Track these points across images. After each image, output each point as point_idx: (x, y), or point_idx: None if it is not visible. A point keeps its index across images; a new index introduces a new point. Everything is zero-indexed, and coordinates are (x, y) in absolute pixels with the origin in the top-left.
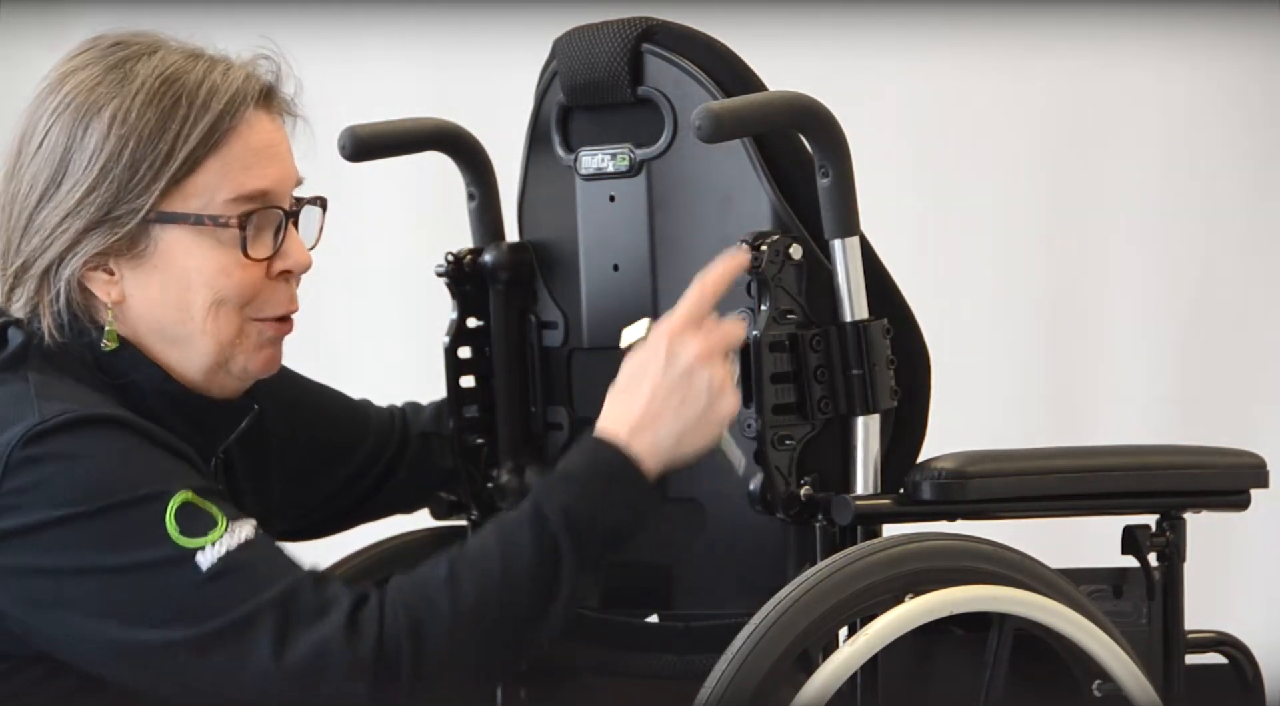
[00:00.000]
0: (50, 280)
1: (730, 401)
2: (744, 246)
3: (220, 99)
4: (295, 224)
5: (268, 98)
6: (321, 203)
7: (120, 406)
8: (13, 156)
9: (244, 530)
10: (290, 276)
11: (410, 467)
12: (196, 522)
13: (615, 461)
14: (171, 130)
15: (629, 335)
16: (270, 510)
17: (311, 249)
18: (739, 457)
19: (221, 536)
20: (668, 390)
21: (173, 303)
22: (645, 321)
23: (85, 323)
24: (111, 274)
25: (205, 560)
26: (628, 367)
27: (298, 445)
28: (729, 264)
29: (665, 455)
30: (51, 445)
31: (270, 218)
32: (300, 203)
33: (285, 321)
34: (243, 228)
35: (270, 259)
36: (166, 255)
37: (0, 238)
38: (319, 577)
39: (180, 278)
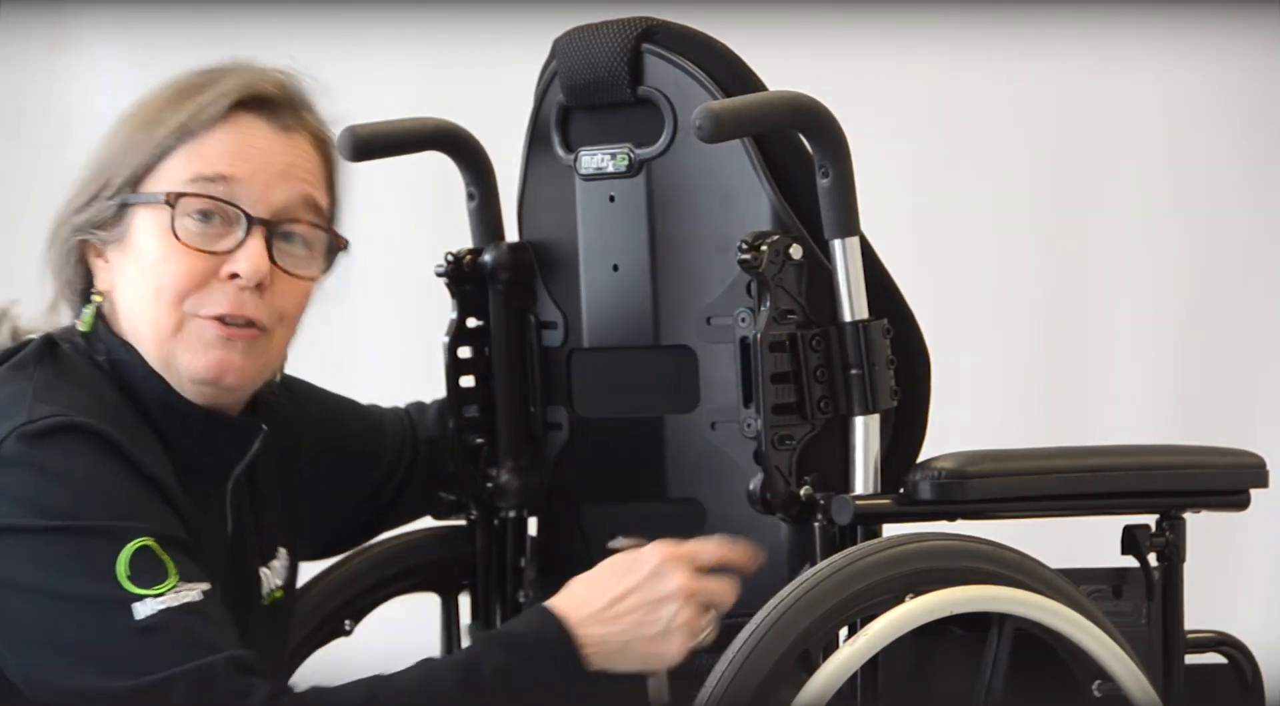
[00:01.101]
0: (51, 265)
1: (679, 646)
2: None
3: (209, 93)
4: (272, 240)
5: (268, 107)
6: (338, 244)
7: (126, 415)
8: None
9: (190, 593)
10: (239, 283)
11: (424, 474)
12: (148, 571)
13: (560, 639)
14: (157, 118)
15: (620, 541)
16: (297, 529)
17: (309, 277)
18: (664, 697)
19: (166, 592)
20: (638, 600)
21: (134, 290)
22: (639, 540)
23: (99, 322)
24: (107, 262)
25: (142, 610)
26: (609, 564)
27: (327, 462)
28: (757, 556)
29: (607, 656)
30: (31, 449)
31: (228, 215)
32: (291, 223)
33: (238, 328)
34: (172, 205)
35: (221, 257)
36: (135, 240)
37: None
38: (243, 663)
39: (138, 263)
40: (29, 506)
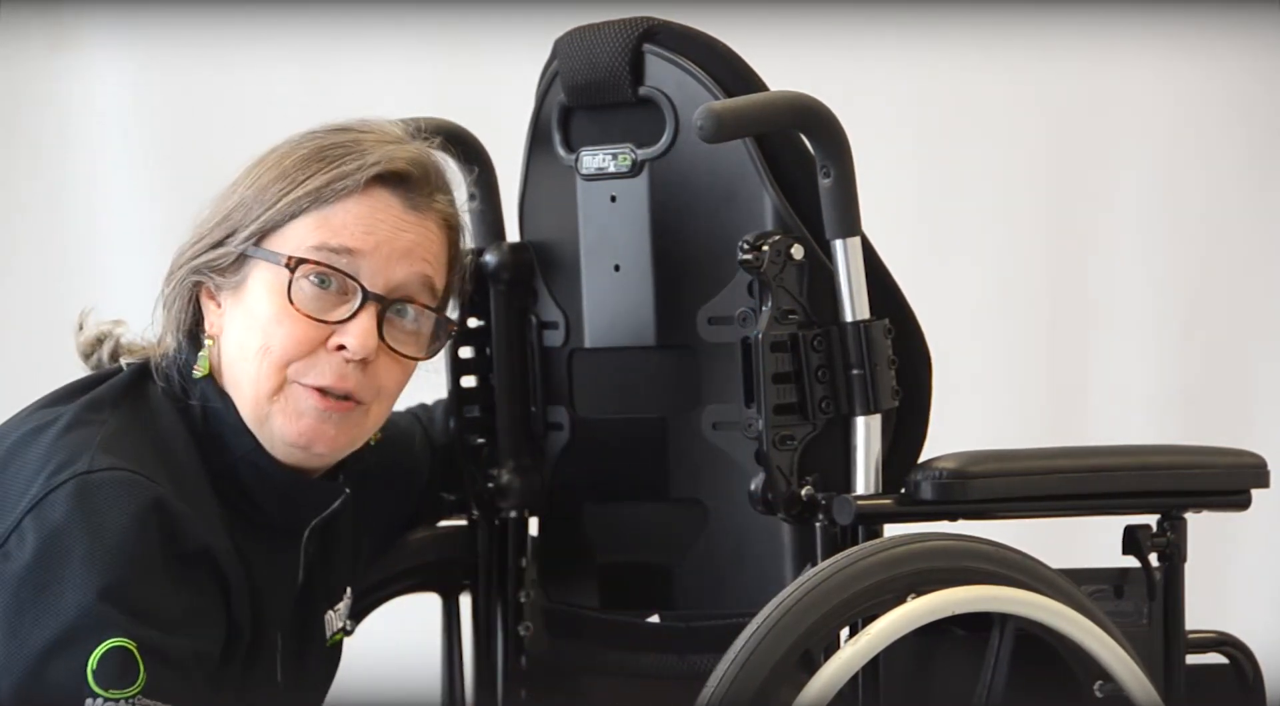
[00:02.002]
0: (165, 299)
1: None
2: None
3: (346, 162)
4: (384, 316)
5: (403, 184)
6: (444, 324)
7: (194, 473)
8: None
9: None
10: (345, 354)
11: (440, 481)
12: (115, 673)
13: None
14: (295, 178)
15: None
16: (361, 563)
17: (413, 357)
18: None
19: (122, 700)
20: None
21: (239, 341)
22: None
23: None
24: (219, 306)
25: None
26: None
27: (388, 493)
28: None
29: None
30: (79, 501)
31: (345, 286)
32: (404, 302)
33: (336, 399)
34: (291, 270)
35: (332, 328)
36: (252, 292)
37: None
38: None
39: (251, 316)
40: (47, 556)
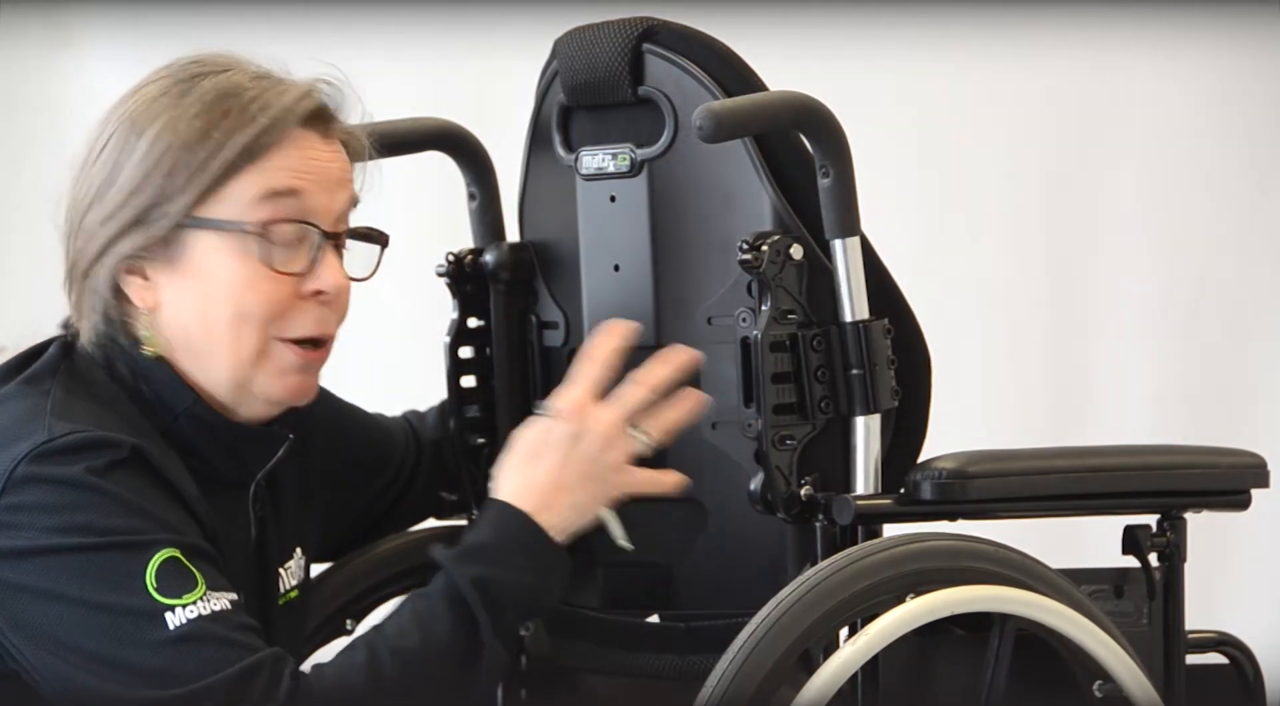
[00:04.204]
0: (88, 281)
1: (625, 476)
2: (613, 332)
3: (267, 113)
4: (339, 249)
5: (320, 119)
6: (380, 239)
7: (145, 429)
8: (78, 166)
9: (220, 601)
10: (323, 298)
11: (427, 477)
12: (175, 581)
13: (525, 530)
14: (214, 139)
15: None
16: (314, 530)
17: (365, 279)
18: (620, 533)
19: (196, 600)
20: (574, 465)
21: (198, 312)
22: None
23: (122, 335)
24: (147, 279)
25: (174, 620)
26: (530, 437)
27: (339, 465)
28: (612, 338)
29: (569, 526)
30: (54, 467)
31: (302, 234)
32: (351, 233)
33: (315, 348)
34: (265, 236)
35: (301, 276)
36: (197, 262)
37: (61, 245)
38: (275, 660)
39: (207, 287)
40: (56, 524)
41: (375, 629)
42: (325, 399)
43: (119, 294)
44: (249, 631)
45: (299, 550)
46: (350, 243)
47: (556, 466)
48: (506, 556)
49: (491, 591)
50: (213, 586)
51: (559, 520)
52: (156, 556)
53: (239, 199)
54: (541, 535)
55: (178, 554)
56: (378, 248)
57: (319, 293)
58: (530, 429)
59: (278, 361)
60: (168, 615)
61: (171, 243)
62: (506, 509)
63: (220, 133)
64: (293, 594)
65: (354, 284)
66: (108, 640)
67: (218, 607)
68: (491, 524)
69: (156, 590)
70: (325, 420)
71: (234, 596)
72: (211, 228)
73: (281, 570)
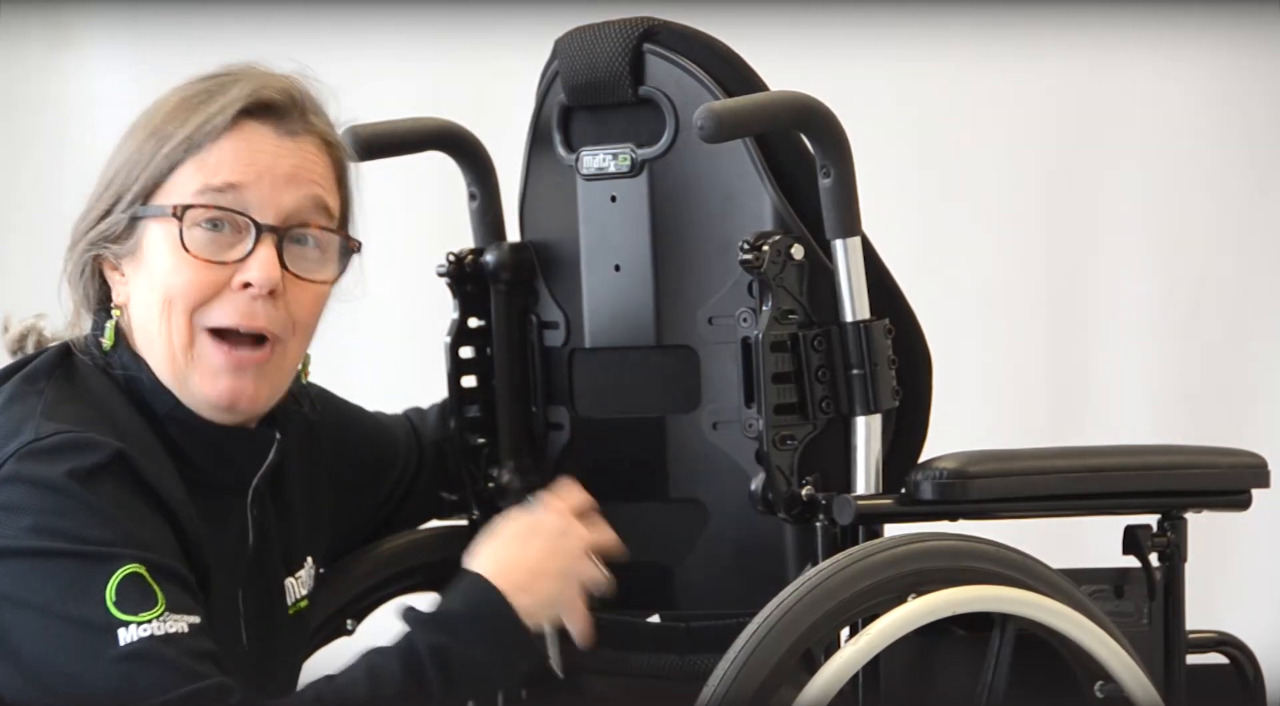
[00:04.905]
0: (70, 278)
1: (579, 597)
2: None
3: (210, 106)
4: (281, 245)
5: (272, 113)
6: (342, 234)
7: (138, 432)
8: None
9: (178, 623)
10: (252, 292)
11: (429, 478)
12: (135, 598)
13: (500, 609)
14: (164, 130)
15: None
16: (325, 536)
17: (329, 282)
18: (555, 654)
19: (152, 619)
20: (559, 559)
21: (144, 302)
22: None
23: (119, 339)
24: (123, 275)
25: (126, 636)
26: (523, 520)
27: (347, 469)
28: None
29: (539, 615)
30: (36, 467)
31: (242, 225)
32: (301, 227)
33: (247, 346)
34: (179, 217)
35: (231, 266)
36: (149, 252)
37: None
38: (220, 690)
39: (150, 276)
40: (29, 525)
41: (328, 676)
42: (328, 401)
43: (106, 293)
44: (203, 657)
45: (310, 559)
46: (328, 244)
47: (544, 554)
48: (473, 631)
49: (450, 662)
50: (173, 607)
51: (534, 606)
52: (121, 571)
53: (182, 190)
54: (514, 617)
55: (142, 571)
56: (340, 244)
57: (247, 285)
58: (524, 513)
59: (207, 360)
60: (120, 631)
61: (131, 235)
62: (484, 584)
63: (172, 126)
64: (303, 603)
65: (317, 285)
66: (58, 649)
67: (173, 630)
68: (464, 596)
69: (115, 604)
70: (329, 423)
71: (195, 619)
72: (153, 216)
73: (292, 579)
